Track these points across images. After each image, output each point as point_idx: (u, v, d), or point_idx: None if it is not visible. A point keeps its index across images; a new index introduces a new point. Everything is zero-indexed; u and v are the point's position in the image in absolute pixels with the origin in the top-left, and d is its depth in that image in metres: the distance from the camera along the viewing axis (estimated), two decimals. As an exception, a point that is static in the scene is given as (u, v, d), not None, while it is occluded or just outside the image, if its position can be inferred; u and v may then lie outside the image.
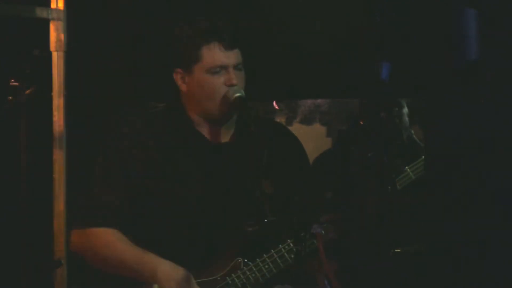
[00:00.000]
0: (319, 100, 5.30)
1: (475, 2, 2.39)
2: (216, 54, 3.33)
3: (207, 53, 3.32)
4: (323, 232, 3.15)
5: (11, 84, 4.07)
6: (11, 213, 4.22)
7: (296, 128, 5.27)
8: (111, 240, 3.31)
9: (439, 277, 2.40)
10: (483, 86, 2.33)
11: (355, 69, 4.08)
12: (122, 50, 4.56)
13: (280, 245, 3.32)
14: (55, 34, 4.16)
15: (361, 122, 2.82)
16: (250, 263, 3.30)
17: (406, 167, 3.64)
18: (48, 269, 3.89)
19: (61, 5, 4.17)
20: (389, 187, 2.84)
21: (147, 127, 3.46)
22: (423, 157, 3.60)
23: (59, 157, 4.17)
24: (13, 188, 4.16)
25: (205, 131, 3.41)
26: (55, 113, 4.17)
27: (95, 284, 3.55)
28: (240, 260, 3.31)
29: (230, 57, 3.34)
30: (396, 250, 3.62)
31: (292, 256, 3.31)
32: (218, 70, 3.32)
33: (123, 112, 4.40)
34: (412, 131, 4.18)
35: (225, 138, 3.44)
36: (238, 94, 3.31)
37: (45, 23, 4.15)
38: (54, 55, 4.17)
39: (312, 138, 5.17)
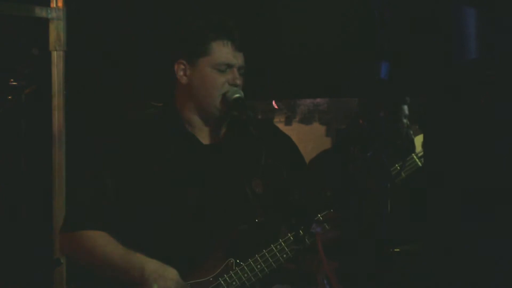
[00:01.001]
0: (318, 100, 5.31)
1: (475, 1, 2.39)
2: (226, 52, 3.31)
3: (217, 48, 3.31)
4: (322, 230, 3.16)
5: (10, 83, 4.08)
6: (11, 212, 4.23)
7: (296, 128, 5.27)
8: (99, 242, 3.30)
9: (438, 277, 2.40)
10: (483, 86, 2.33)
11: (354, 69, 4.09)
12: (122, 49, 4.57)
13: (272, 245, 3.32)
14: (55, 34, 4.17)
15: (360, 122, 2.82)
16: (242, 263, 3.30)
17: (396, 165, 3.64)
18: (48, 268, 3.90)
19: (60, 5, 4.18)
20: (388, 186, 2.84)
21: (137, 128, 3.45)
22: (412, 155, 3.61)
23: (58, 156, 4.18)
24: (12, 187, 4.17)
25: (196, 131, 3.40)
26: (54, 112, 4.18)
27: (94, 283, 3.55)
28: (232, 260, 3.31)
29: (238, 58, 3.33)
30: (395, 250, 3.62)
31: (284, 255, 3.31)
32: (224, 68, 3.31)
33: (123, 113, 4.40)
34: (411, 131, 4.18)
35: (216, 138, 3.43)
36: (237, 95, 3.31)
37: (45, 23, 4.15)
38: (54, 54, 4.18)
39: (312, 138, 5.17)
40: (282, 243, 3.30)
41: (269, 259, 3.28)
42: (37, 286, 3.95)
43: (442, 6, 2.40)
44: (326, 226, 3.28)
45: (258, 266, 3.27)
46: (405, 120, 4.19)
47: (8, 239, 4.27)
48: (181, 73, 3.34)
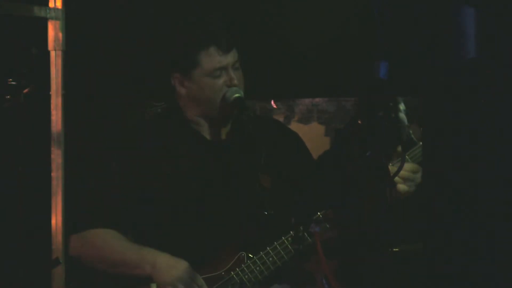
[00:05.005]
0: (317, 99, 5.31)
1: (474, 1, 2.39)
2: (214, 58, 3.34)
3: (205, 58, 3.34)
4: (320, 230, 3.16)
5: (9, 83, 4.07)
6: (9, 212, 4.23)
7: (294, 127, 5.25)
8: (109, 239, 3.33)
9: (438, 277, 2.40)
10: (483, 86, 2.33)
11: (353, 68, 4.08)
12: (121, 49, 4.56)
13: (283, 237, 3.33)
14: (53, 33, 4.15)
15: (359, 121, 2.82)
16: (253, 256, 3.32)
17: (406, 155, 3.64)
18: (46, 268, 3.89)
19: (59, 4, 4.17)
20: (387, 186, 2.84)
21: (144, 127, 3.48)
22: (420, 143, 3.62)
23: (57, 156, 4.17)
24: (11, 187, 4.17)
25: (203, 130, 3.43)
26: (53, 112, 4.16)
27: (93, 283, 3.55)
28: (244, 254, 3.33)
29: (228, 58, 3.36)
30: (394, 249, 3.62)
31: (295, 248, 3.32)
32: (218, 73, 3.34)
33: (122, 112, 4.41)
34: (411, 130, 4.19)
35: (223, 136, 3.46)
36: (236, 95, 3.33)
37: (43, 22, 4.15)
38: (52, 54, 4.16)
39: (310, 137, 5.16)
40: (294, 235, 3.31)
41: (281, 251, 3.29)
42: (36, 286, 3.95)
43: (441, 5, 2.40)
44: (326, 226, 3.28)
45: (270, 259, 3.29)
46: (404, 117, 4.19)
47: (7, 238, 4.27)
48: (178, 84, 3.38)
